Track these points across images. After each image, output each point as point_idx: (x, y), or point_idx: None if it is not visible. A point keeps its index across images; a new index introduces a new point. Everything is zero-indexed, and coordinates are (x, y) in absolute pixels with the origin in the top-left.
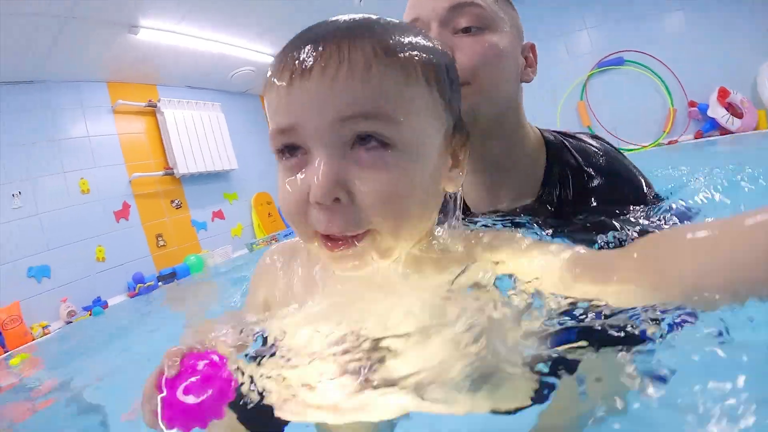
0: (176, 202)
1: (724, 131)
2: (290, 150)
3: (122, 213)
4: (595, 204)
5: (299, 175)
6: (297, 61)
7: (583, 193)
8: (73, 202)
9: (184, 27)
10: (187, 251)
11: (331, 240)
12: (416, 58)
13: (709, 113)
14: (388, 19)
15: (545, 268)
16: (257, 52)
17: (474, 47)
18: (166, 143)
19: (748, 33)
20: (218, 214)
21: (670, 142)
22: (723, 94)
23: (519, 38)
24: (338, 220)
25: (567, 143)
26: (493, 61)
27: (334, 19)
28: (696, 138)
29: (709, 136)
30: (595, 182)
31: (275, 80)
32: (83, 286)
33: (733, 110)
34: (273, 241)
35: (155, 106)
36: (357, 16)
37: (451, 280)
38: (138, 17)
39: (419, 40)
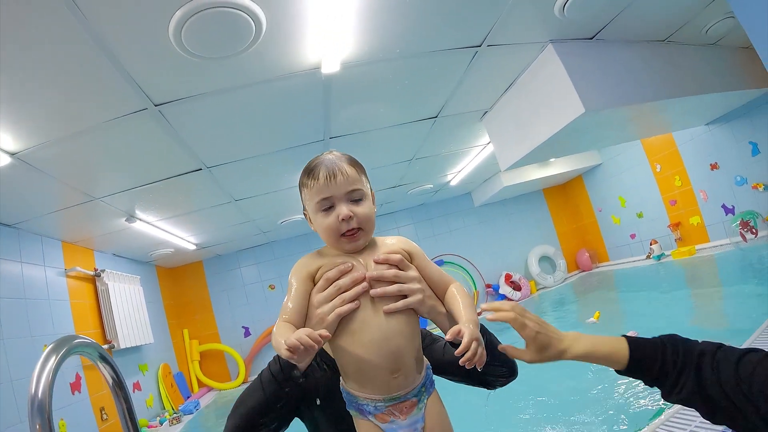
0: None
1: (510, 300)
2: (327, 208)
3: (76, 385)
4: None
5: (332, 215)
6: (327, 173)
7: None
8: None
9: (140, 212)
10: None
11: (348, 235)
12: (361, 168)
13: (501, 291)
14: (346, 155)
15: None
16: (182, 239)
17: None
18: (105, 315)
19: (518, 234)
20: (137, 386)
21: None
22: (508, 277)
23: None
24: (352, 225)
25: None
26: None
27: (328, 155)
28: None
29: None
30: None
31: (319, 181)
32: None
33: (515, 285)
34: (176, 422)
35: (99, 276)
36: (337, 154)
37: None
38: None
39: (359, 164)
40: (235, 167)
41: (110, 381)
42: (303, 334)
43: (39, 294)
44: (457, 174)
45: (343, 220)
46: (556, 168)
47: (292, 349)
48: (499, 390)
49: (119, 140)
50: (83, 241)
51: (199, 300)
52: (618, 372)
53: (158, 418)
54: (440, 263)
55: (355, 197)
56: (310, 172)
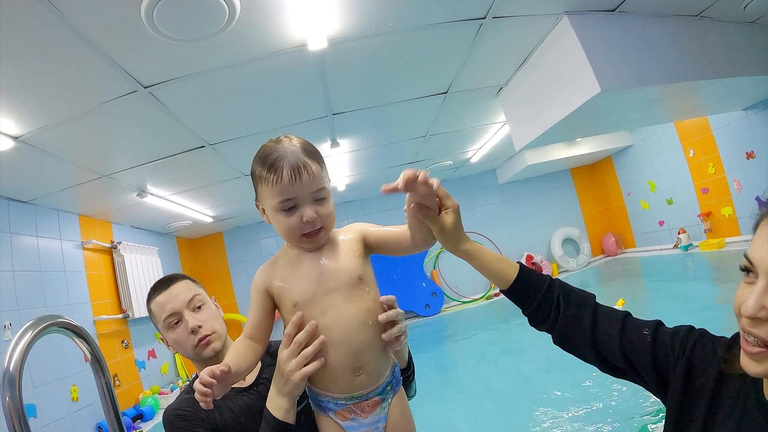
0: (125, 342)
1: None
2: (290, 208)
3: None
4: None
5: (295, 216)
6: (291, 172)
7: None
8: (53, 340)
9: (151, 187)
10: (135, 390)
11: (310, 235)
12: (323, 160)
13: None
14: (306, 145)
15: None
16: (198, 212)
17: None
18: (121, 287)
19: (543, 214)
20: (152, 353)
21: (494, 295)
22: (529, 258)
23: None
24: (317, 225)
25: None
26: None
27: (289, 145)
28: None
29: None
30: None
31: (283, 180)
32: (65, 427)
33: (536, 267)
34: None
35: (116, 248)
36: (298, 144)
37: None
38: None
39: (321, 156)
40: (239, 144)
41: (89, 356)
42: (198, 383)
43: (54, 266)
44: (477, 151)
45: (307, 222)
46: (584, 147)
47: (203, 401)
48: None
49: (116, 121)
50: (101, 214)
51: (218, 270)
52: (502, 291)
53: (170, 385)
54: None
55: (319, 196)
56: (270, 165)
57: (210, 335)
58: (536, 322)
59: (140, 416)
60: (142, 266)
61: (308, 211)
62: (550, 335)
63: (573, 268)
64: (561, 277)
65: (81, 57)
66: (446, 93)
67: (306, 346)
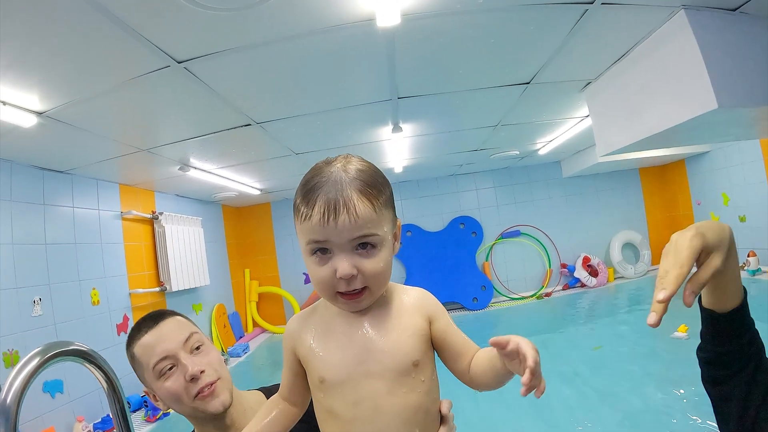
0: None
1: (584, 285)
2: (321, 251)
3: (123, 326)
4: None
5: (327, 266)
6: (324, 210)
7: None
8: (85, 313)
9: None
10: None
11: (346, 296)
12: (383, 195)
13: (576, 274)
14: (366, 172)
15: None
16: (245, 185)
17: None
18: (160, 258)
19: (605, 214)
20: None
21: (546, 294)
22: (586, 260)
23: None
24: (355, 285)
25: None
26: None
27: (337, 170)
28: (564, 289)
29: (573, 288)
30: None
31: (312, 219)
32: (91, 402)
33: (592, 270)
34: None
35: (157, 218)
36: (350, 171)
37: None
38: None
39: (382, 190)
40: (290, 123)
41: (104, 385)
42: None
43: (91, 238)
44: (547, 144)
45: (341, 278)
46: (658, 149)
47: None
48: None
49: (151, 96)
50: (143, 183)
51: (263, 242)
52: (715, 314)
53: None
54: (516, 233)
55: (363, 245)
56: (305, 194)
57: (215, 382)
58: (717, 365)
59: None
60: (184, 237)
61: (343, 265)
62: (699, 362)
63: (630, 276)
64: (616, 283)
65: (100, 29)
66: (528, 83)
67: None
